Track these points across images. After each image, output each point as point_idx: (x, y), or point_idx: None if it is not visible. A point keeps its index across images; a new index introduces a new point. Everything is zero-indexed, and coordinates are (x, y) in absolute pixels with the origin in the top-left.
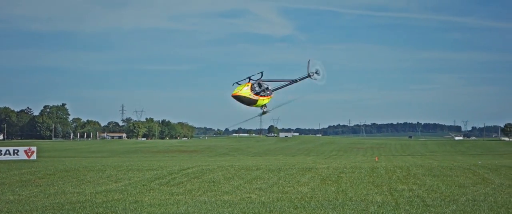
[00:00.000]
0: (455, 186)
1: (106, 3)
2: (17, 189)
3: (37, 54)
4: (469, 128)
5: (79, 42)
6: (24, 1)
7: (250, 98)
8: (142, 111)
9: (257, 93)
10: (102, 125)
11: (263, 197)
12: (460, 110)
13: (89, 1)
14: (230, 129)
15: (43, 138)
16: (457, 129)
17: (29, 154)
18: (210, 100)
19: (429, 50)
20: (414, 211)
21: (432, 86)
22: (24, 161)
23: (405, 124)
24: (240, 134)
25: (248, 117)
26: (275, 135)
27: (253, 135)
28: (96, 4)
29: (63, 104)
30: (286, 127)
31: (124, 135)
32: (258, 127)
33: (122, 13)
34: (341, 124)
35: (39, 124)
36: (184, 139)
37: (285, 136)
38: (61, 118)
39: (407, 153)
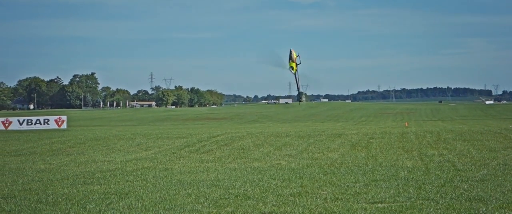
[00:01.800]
0: (486, 150)
1: None
2: (48, 158)
3: (66, 24)
4: (500, 92)
5: (107, 11)
6: None
7: None
8: (171, 79)
9: None
10: (132, 93)
11: (293, 164)
12: (491, 73)
13: None
14: (259, 96)
15: (73, 107)
16: (487, 93)
17: (60, 123)
18: (238, 68)
19: (460, 14)
20: (445, 176)
21: (462, 50)
22: (55, 130)
23: (435, 88)
24: (269, 101)
25: (274, 84)
26: (276, 101)
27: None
28: None
29: (93, 74)
30: (315, 93)
31: (153, 103)
32: (287, 94)
33: None
34: (370, 90)
35: (69, 93)
36: (214, 106)
37: (286, 103)
38: (90, 87)
39: (437, 117)
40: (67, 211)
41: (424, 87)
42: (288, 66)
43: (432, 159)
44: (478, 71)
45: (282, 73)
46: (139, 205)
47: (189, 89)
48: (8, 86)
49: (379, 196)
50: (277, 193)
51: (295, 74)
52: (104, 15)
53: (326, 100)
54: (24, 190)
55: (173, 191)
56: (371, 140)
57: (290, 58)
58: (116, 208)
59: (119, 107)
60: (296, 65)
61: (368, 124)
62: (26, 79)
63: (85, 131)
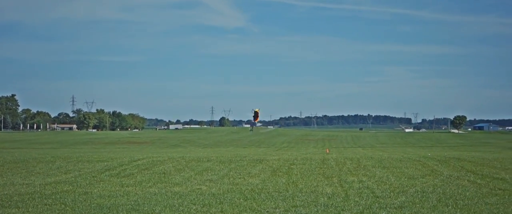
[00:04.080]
0: (405, 177)
1: None
2: None
3: None
4: (419, 120)
5: (29, 32)
6: None
7: None
8: (92, 102)
9: None
10: (52, 116)
11: (214, 189)
12: (411, 102)
13: None
14: (181, 120)
15: None
16: (407, 121)
17: None
18: (161, 92)
19: (380, 43)
20: (364, 203)
21: (383, 78)
22: None
23: (356, 116)
24: (191, 126)
25: (196, 109)
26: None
27: (204, 126)
28: None
29: (13, 95)
30: (237, 119)
31: (74, 126)
32: (210, 119)
33: (73, 3)
34: (292, 116)
35: None
36: (135, 130)
37: (176, 128)
38: (10, 109)
39: (357, 144)
40: None
41: (345, 114)
42: None
43: (351, 185)
44: (398, 100)
45: (204, 99)
46: None
47: (111, 112)
48: None
49: None
50: None
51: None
52: (25, 36)
53: (248, 126)
54: None
55: None
56: (292, 166)
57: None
58: None
59: (39, 130)
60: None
61: (289, 149)
62: None
63: (4, 153)
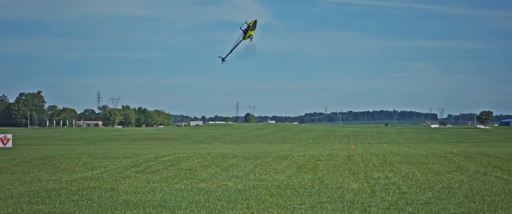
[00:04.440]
0: (431, 173)
1: None
2: None
3: (12, 42)
4: (445, 116)
5: (54, 29)
6: None
7: None
8: (118, 99)
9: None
10: (78, 112)
11: (239, 185)
12: (436, 97)
13: None
14: (207, 117)
15: (18, 126)
16: (433, 117)
17: (5, 141)
18: (186, 88)
19: (405, 38)
20: (390, 198)
21: (408, 74)
22: (0, 148)
23: (381, 111)
24: (216, 122)
25: (222, 105)
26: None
27: (229, 122)
28: None
29: (39, 92)
30: (262, 115)
31: (100, 122)
32: (235, 115)
33: (98, 0)
34: (317, 112)
35: (14, 112)
36: (161, 126)
37: (196, 125)
38: (36, 106)
39: (383, 140)
40: None
41: (371, 110)
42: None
43: (377, 181)
44: (424, 95)
45: (229, 95)
46: None
47: (137, 109)
48: None
49: None
50: None
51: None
52: (51, 33)
53: (273, 122)
54: None
55: (119, 212)
56: (317, 162)
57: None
58: None
59: (65, 126)
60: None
61: (315, 146)
62: None
63: (31, 149)
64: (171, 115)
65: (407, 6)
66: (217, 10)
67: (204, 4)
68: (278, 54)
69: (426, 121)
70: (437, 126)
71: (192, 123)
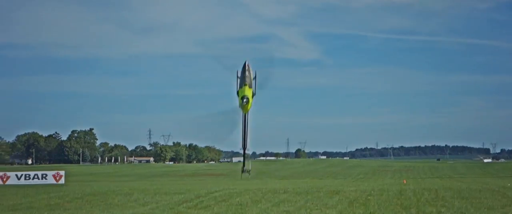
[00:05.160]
0: (484, 208)
1: (134, 30)
2: (46, 213)
3: (65, 79)
4: (498, 150)
5: (107, 67)
6: (53, 27)
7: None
8: (169, 135)
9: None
10: (130, 149)
11: None
12: (489, 132)
13: (117, 27)
14: (257, 152)
15: (71, 162)
16: (485, 152)
17: (57, 178)
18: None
19: (456, 73)
20: None
21: (460, 108)
22: (53, 185)
23: (433, 146)
24: (267, 158)
25: (272, 140)
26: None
27: (280, 158)
28: (124, 30)
29: (91, 129)
30: (313, 150)
31: (151, 159)
32: (285, 150)
33: (151, 39)
34: (368, 147)
35: (67, 149)
36: (212, 162)
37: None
38: (88, 143)
39: (435, 175)
40: None
41: (422, 145)
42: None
43: None
44: (476, 130)
45: (280, 131)
46: None
47: (187, 145)
48: (7, 141)
49: None
50: None
51: (244, 116)
52: (104, 71)
53: (324, 157)
54: None
55: None
56: (369, 197)
57: (243, 79)
58: None
59: (117, 163)
60: (253, 94)
61: (366, 181)
62: (25, 134)
63: (83, 186)
64: (222, 151)
65: (459, 41)
66: (267, 47)
67: (254, 41)
68: (328, 90)
69: (479, 156)
70: (490, 160)
71: (235, 159)
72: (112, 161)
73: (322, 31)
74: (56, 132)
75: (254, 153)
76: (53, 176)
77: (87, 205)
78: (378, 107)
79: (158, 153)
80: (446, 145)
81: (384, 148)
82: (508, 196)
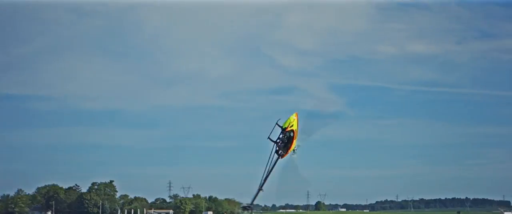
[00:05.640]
0: None
1: (157, 82)
2: None
3: (85, 131)
4: None
5: (126, 119)
6: (76, 80)
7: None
8: (189, 187)
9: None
10: (149, 201)
11: None
12: (510, 184)
13: (140, 80)
14: (277, 205)
15: None
16: (506, 204)
17: None
18: (257, 176)
19: (479, 125)
20: None
21: (481, 161)
22: None
23: (453, 199)
24: (287, 210)
25: (291, 192)
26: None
27: (300, 210)
28: (146, 82)
29: (111, 181)
30: (333, 203)
31: (171, 211)
32: (305, 203)
33: (173, 91)
34: (388, 199)
35: (87, 201)
36: None
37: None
38: (108, 195)
39: None
40: None
41: (442, 198)
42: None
43: None
44: (496, 182)
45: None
46: None
47: (207, 197)
48: (27, 193)
49: None
50: None
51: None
52: (123, 123)
53: (344, 209)
54: None
55: None
56: None
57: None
58: None
59: None
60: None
61: None
62: (45, 186)
63: None
64: (242, 203)
65: (481, 93)
66: (290, 99)
67: (277, 93)
68: (349, 142)
69: (499, 208)
70: (510, 213)
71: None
72: (132, 213)
73: (345, 83)
74: (76, 184)
75: (274, 205)
76: None
77: None
78: (399, 159)
79: (177, 205)
80: (466, 197)
81: (404, 201)
82: None
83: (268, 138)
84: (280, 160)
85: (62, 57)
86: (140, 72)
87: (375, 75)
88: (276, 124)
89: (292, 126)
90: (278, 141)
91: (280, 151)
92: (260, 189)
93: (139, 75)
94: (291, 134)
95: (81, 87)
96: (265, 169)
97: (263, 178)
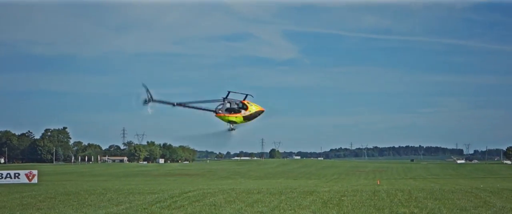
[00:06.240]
0: (457, 209)
1: (109, 27)
2: (18, 213)
3: (38, 78)
4: (471, 151)
5: (81, 65)
6: (26, 25)
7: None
8: (143, 135)
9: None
10: (103, 148)
11: None
12: (462, 133)
13: (92, 25)
14: (232, 152)
15: (44, 162)
16: (459, 152)
17: (30, 177)
18: (211, 124)
19: (432, 74)
20: None
21: (435, 109)
22: (25, 184)
23: (407, 147)
24: (242, 158)
25: (245, 141)
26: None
27: (255, 158)
28: (99, 27)
29: (64, 128)
30: (287, 150)
31: (125, 158)
32: (260, 151)
33: (125, 37)
34: (342, 147)
35: (40, 148)
36: (186, 162)
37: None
38: (62, 142)
39: (409, 176)
40: None
41: (396, 146)
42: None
43: None
44: (449, 131)
45: (254, 131)
46: None
47: (161, 145)
48: None
49: None
50: None
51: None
52: (77, 69)
53: (298, 157)
54: None
55: None
56: (343, 198)
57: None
58: None
59: (90, 162)
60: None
61: (340, 181)
62: None
63: (56, 185)
64: (196, 151)
65: (435, 41)
66: (243, 46)
67: (230, 40)
68: (303, 90)
69: (452, 157)
70: (463, 161)
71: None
72: (86, 160)
73: (299, 30)
74: (29, 131)
75: (228, 153)
76: (26, 175)
77: (60, 205)
78: (353, 107)
79: (132, 153)
80: (420, 146)
81: (359, 149)
82: (480, 197)
83: (228, 91)
84: (212, 114)
85: (12, 4)
86: (92, 18)
87: (329, 22)
88: (246, 94)
89: (251, 106)
90: (234, 100)
91: (220, 108)
92: (173, 104)
93: (91, 21)
94: (243, 108)
95: (33, 33)
96: (199, 101)
97: (191, 104)
